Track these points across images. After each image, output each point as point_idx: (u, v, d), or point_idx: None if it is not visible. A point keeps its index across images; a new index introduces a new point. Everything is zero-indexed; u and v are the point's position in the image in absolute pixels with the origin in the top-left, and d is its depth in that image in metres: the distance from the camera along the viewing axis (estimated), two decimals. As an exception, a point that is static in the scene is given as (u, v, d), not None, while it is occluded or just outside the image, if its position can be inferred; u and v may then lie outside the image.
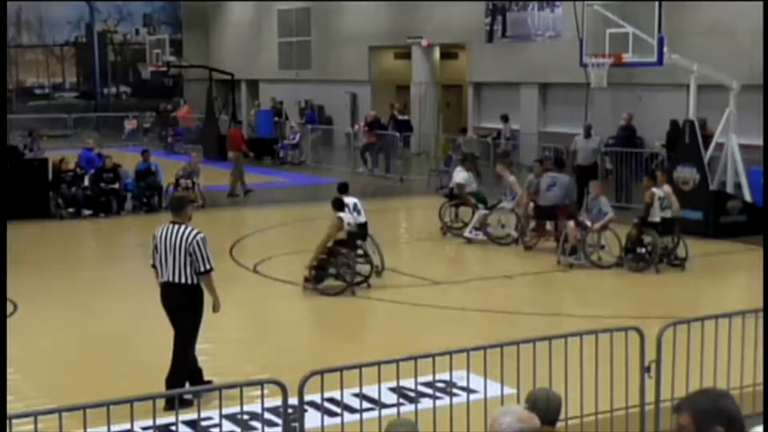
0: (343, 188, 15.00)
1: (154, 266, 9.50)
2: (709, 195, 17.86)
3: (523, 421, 4.55)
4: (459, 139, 27.60)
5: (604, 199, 15.86)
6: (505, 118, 29.02)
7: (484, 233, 17.48)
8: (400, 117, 31.97)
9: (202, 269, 9.23)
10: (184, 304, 9.33)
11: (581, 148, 20.70)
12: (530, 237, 16.95)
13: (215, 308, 9.54)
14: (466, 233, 17.55)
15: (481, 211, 17.52)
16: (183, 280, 9.24)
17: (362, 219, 14.49)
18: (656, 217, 15.16)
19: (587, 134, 20.93)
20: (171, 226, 9.36)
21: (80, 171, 21.59)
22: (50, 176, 20.85)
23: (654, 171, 18.45)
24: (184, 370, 9.41)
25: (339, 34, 37.29)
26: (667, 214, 15.21)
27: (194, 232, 9.28)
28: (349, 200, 14.47)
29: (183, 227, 9.31)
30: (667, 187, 15.65)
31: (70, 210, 20.57)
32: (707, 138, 20.01)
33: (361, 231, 14.45)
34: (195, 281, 9.28)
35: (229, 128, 29.60)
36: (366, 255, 14.45)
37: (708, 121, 20.91)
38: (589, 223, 15.54)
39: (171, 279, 9.27)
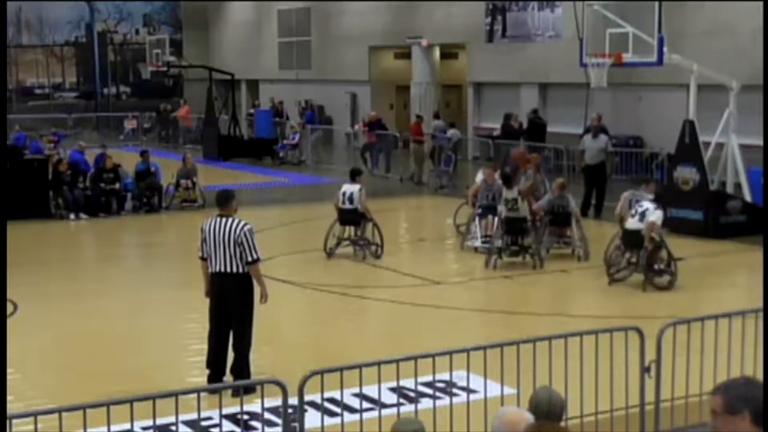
0: (352, 174, 16.63)
1: (202, 258, 9.83)
2: (709, 195, 17.85)
3: (504, 425, 4.54)
4: (447, 133, 27.41)
5: (568, 195, 16.10)
6: (451, 124, 28.82)
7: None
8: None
9: (250, 259, 9.61)
10: (236, 293, 9.65)
11: (589, 148, 20.62)
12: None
13: (263, 298, 9.79)
14: (477, 243, 16.55)
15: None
16: (234, 270, 9.60)
17: (348, 206, 15.84)
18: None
19: (595, 134, 20.85)
20: (219, 219, 9.78)
21: (70, 170, 21.12)
22: (50, 177, 20.80)
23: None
24: (248, 359, 9.69)
25: (339, 34, 37.28)
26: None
27: (242, 223, 9.70)
28: (347, 187, 15.99)
29: (231, 219, 9.74)
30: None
31: (72, 217, 20.45)
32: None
33: (347, 216, 15.90)
34: (245, 270, 9.63)
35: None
36: (357, 239, 15.99)
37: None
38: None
39: (223, 269, 9.62)
